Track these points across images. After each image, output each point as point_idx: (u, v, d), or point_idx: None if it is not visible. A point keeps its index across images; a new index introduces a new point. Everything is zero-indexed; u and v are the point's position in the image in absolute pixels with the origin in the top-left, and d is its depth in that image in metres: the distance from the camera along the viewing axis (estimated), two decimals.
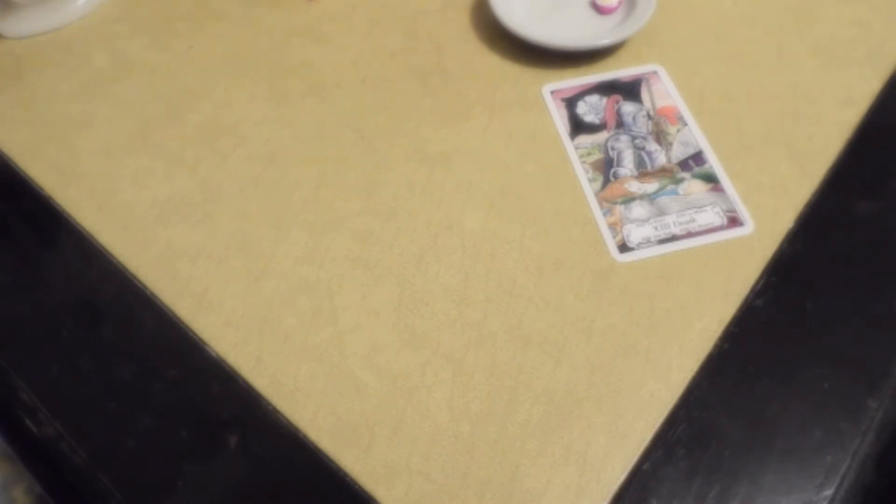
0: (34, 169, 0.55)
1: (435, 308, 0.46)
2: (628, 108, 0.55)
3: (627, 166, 0.52)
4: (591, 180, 0.51)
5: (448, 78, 0.58)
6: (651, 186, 0.51)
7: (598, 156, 0.53)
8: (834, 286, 0.46)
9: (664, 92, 0.56)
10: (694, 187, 0.51)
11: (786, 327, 0.45)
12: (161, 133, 0.57)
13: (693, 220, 0.49)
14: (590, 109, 0.55)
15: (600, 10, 0.60)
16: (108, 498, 0.42)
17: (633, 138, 0.53)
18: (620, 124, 0.54)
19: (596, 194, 0.51)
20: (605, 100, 0.56)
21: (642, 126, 0.54)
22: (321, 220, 0.51)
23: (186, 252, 0.50)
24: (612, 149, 0.53)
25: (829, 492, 0.40)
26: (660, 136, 0.53)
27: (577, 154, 0.53)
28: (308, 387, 0.44)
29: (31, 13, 0.64)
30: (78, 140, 0.57)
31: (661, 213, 0.49)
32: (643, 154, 0.53)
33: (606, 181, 0.51)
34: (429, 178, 0.52)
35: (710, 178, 0.51)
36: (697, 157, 0.52)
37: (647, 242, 0.48)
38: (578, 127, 0.54)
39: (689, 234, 0.48)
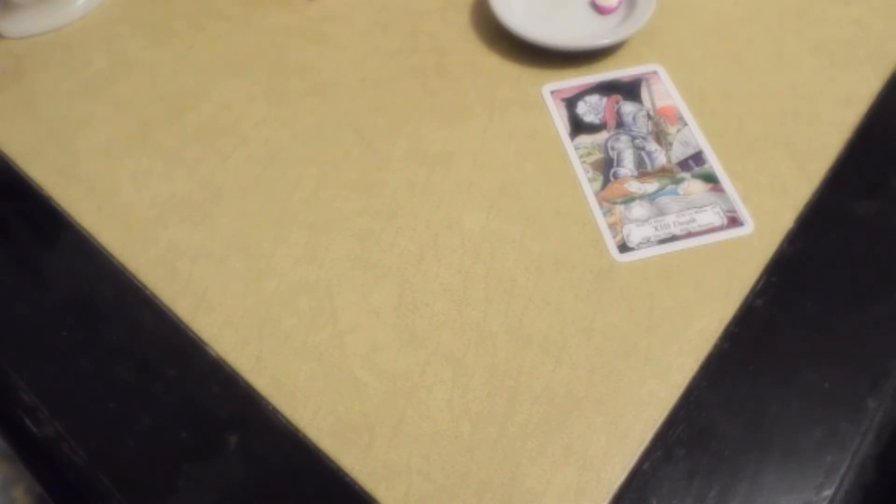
0: (34, 169, 0.55)
1: (435, 308, 0.46)
2: (628, 108, 0.55)
3: (627, 166, 0.52)
4: (591, 180, 0.51)
5: (448, 78, 0.58)
6: (651, 186, 0.51)
7: (598, 156, 0.53)
8: (834, 286, 0.46)
9: (664, 92, 0.56)
10: (694, 187, 0.51)
11: (786, 327, 0.45)
12: (161, 133, 0.57)
13: (693, 220, 0.49)
14: (590, 109, 0.55)
15: (600, 10, 0.60)
16: (108, 498, 0.42)
17: (633, 138, 0.53)
18: (620, 124, 0.54)
19: (596, 194, 0.51)
20: (605, 100, 0.56)
21: (642, 126, 0.54)
22: (321, 220, 0.51)
23: (186, 252, 0.50)
24: (612, 149, 0.53)
25: (829, 492, 0.40)
26: (660, 136, 0.53)
27: (577, 154, 0.53)
28: (308, 387, 0.44)
29: (31, 13, 0.64)
30: (78, 140, 0.57)
31: (661, 213, 0.49)
32: (643, 154, 0.53)
33: (606, 181, 0.51)
34: (429, 178, 0.52)
35: (710, 178, 0.51)
36: (697, 157, 0.52)
37: (647, 242, 0.48)
38: (578, 127, 0.54)
39: (689, 234, 0.48)
